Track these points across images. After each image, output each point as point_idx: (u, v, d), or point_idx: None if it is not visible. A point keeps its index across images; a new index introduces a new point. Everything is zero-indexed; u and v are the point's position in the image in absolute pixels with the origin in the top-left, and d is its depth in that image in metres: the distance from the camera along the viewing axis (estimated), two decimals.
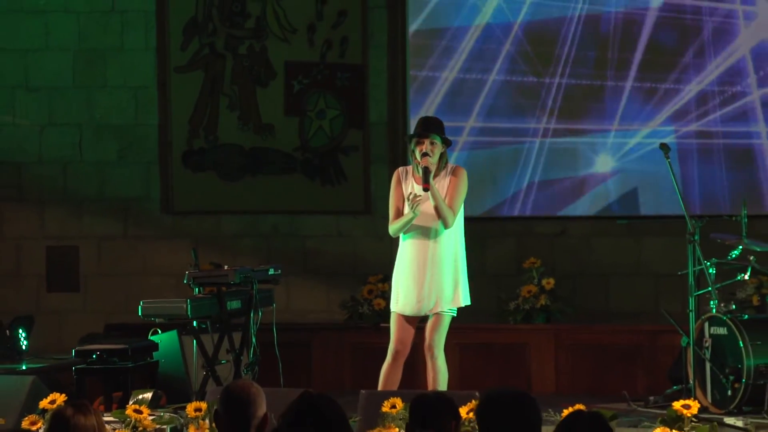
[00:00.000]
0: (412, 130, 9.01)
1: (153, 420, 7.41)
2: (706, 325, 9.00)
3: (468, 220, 8.35)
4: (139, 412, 7.35)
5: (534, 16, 11.13)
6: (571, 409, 5.59)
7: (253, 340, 8.73)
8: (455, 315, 8.05)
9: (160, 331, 9.61)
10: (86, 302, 11.69)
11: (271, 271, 9.09)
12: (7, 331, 10.61)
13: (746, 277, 9.23)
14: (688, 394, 8.67)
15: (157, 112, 11.65)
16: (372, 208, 11.23)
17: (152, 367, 9.23)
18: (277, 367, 8.65)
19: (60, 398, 7.49)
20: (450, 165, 8.13)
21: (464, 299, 8.06)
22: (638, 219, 11.02)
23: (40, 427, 7.25)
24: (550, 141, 11.15)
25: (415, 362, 8.88)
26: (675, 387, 9.22)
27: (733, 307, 9.11)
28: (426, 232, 7.98)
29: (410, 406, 5.43)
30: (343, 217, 11.49)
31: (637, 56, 11.00)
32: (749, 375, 8.69)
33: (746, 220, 9.18)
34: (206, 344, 8.91)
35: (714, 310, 8.97)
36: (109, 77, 11.68)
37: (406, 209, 8.02)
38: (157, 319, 9.10)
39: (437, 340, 7.97)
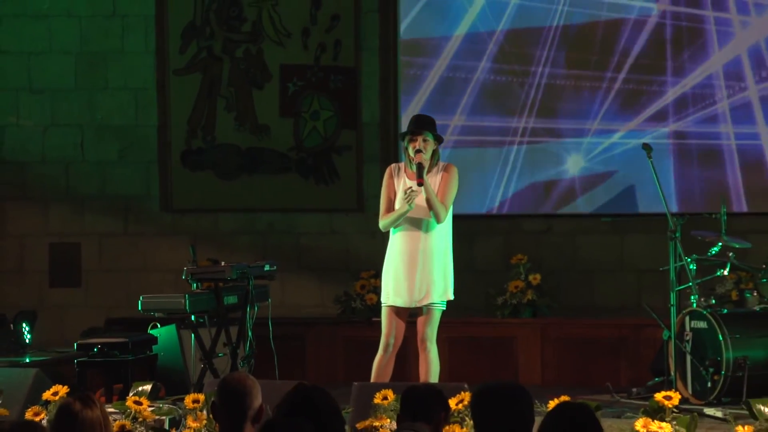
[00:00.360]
0: (403, 130, 8.99)
1: (152, 411, 7.39)
2: (687, 319, 9.00)
3: (457, 218, 8.34)
4: (139, 403, 7.34)
5: (516, 21, 11.12)
6: (557, 401, 5.58)
7: (250, 333, 8.72)
8: (444, 308, 8.05)
9: (159, 326, 9.60)
10: (88, 297, 11.68)
11: (267, 268, 9.08)
12: (11, 325, 10.60)
13: (725, 272, 9.23)
14: (669, 385, 8.67)
15: (157, 113, 11.64)
16: (364, 206, 11.23)
17: (152, 360, 9.21)
18: (273, 360, 8.64)
19: (62, 390, 7.48)
20: (441, 162, 8.12)
21: (451, 293, 8.06)
22: (621, 217, 11.02)
23: (43, 418, 7.25)
24: (530, 141, 11.15)
25: (406, 355, 8.88)
26: (657, 379, 9.23)
27: (713, 301, 9.12)
28: (417, 226, 7.98)
29: (401, 397, 5.44)
30: (337, 214, 11.48)
31: (614, 60, 11.02)
32: (728, 367, 8.69)
33: (725, 217, 9.19)
34: (204, 338, 8.90)
35: (694, 305, 8.98)
36: (110, 79, 11.67)
37: (398, 204, 8.02)
38: (156, 314, 9.09)
39: (429, 333, 7.97)
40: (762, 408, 6.57)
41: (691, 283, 8.96)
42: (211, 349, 8.82)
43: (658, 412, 6.66)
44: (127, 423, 7.17)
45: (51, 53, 11.69)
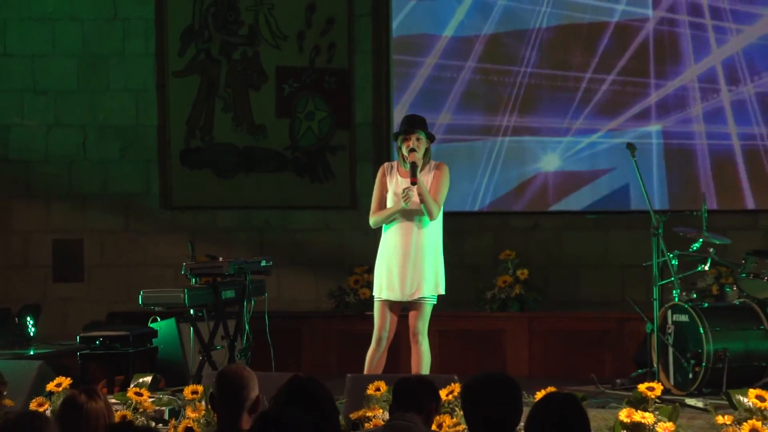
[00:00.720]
0: (395, 130, 8.99)
1: (152, 402, 7.39)
2: (669, 312, 9.01)
3: (448, 215, 8.34)
4: (140, 394, 7.33)
5: (503, 23, 11.13)
6: (544, 392, 5.58)
7: (247, 327, 8.72)
8: (435, 302, 8.05)
9: (159, 319, 9.59)
10: (90, 292, 11.67)
11: (263, 263, 9.07)
12: (16, 319, 10.59)
13: (706, 268, 9.24)
14: (652, 377, 8.69)
15: (157, 114, 11.63)
16: (358, 204, 11.22)
17: (152, 352, 9.21)
18: (269, 353, 8.64)
19: (65, 382, 7.47)
20: (432, 161, 8.13)
21: (442, 287, 8.06)
22: (606, 214, 11.03)
23: (47, 409, 7.24)
24: (513, 140, 11.16)
25: (398, 347, 8.88)
26: (640, 370, 9.24)
27: (694, 295, 9.13)
28: (410, 222, 7.98)
29: (394, 389, 5.43)
30: (331, 212, 11.48)
31: (594, 61, 11.03)
32: (708, 359, 8.70)
33: (706, 214, 9.21)
34: (202, 331, 8.90)
35: (676, 299, 8.99)
36: (111, 81, 11.65)
37: (390, 202, 8.02)
38: (156, 308, 9.08)
39: (421, 326, 7.97)
40: (741, 398, 6.57)
41: (673, 278, 8.97)
42: (210, 342, 8.82)
43: (641, 403, 6.66)
44: (129, 413, 7.17)
45: (54, 56, 11.67)
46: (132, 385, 7.54)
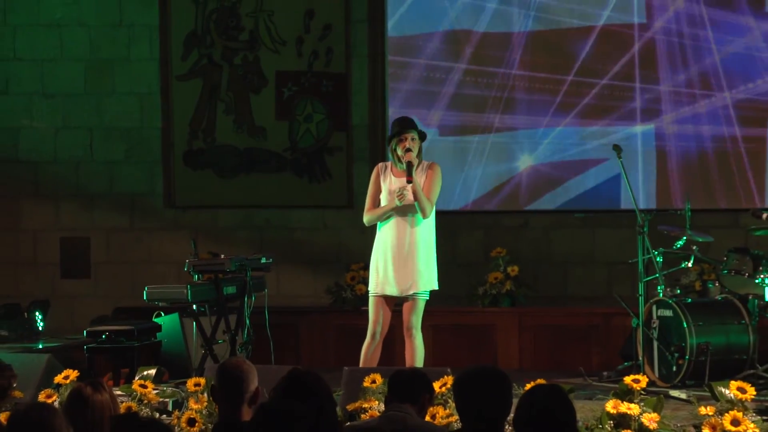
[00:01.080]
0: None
1: (157, 394, 7.40)
2: (654, 307, 9.02)
3: (441, 213, 8.35)
4: (144, 386, 7.34)
5: (492, 25, 11.14)
6: (533, 384, 5.60)
7: (247, 321, 8.72)
8: (428, 298, 8.06)
9: (163, 314, 9.59)
10: (96, 288, 11.67)
11: (264, 260, 9.08)
12: (26, 314, 10.59)
13: (690, 264, 9.26)
14: (637, 369, 8.71)
15: (161, 116, 11.63)
16: (354, 203, 11.22)
17: (156, 346, 9.21)
18: (269, 346, 8.64)
19: (73, 374, 7.48)
20: (425, 161, 8.14)
21: (435, 283, 8.07)
22: (593, 212, 11.05)
23: (55, 400, 7.25)
24: (503, 138, 11.17)
25: (393, 341, 8.89)
26: (626, 363, 9.25)
27: (678, 291, 9.14)
28: (405, 220, 7.99)
29: (389, 381, 5.45)
30: (329, 211, 11.48)
31: (575, 66, 11.05)
32: (692, 352, 8.72)
33: (690, 213, 9.22)
34: (205, 326, 8.90)
35: (661, 295, 9.00)
36: (117, 85, 11.66)
37: (384, 201, 8.03)
38: (160, 303, 9.09)
39: (414, 321, 7.98)
40: (723, 390, 6.58)
41: (657, 275, 8.98)
42: (212, 336, 8.82)
43: (627, 394, 6.67)
44: (134, 405, 7.18)
45: (62, 60, 11.67)
46: (137, 378, 7.55)
